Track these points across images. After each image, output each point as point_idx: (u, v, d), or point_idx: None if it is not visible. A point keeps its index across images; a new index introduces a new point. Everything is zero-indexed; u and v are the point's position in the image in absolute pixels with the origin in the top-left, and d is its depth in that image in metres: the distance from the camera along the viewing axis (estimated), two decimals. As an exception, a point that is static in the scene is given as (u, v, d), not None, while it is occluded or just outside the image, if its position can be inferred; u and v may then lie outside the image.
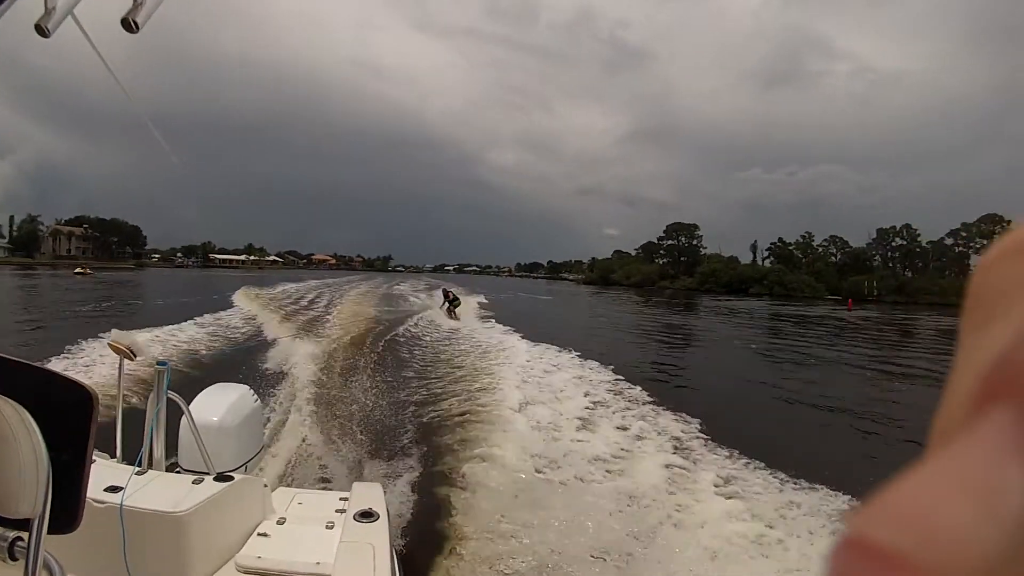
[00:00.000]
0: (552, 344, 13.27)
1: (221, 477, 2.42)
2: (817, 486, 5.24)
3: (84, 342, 10.13)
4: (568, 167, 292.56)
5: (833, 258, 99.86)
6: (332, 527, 2.57)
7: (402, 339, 14.53)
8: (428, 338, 15.04)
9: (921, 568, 0.12)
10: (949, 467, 0.13)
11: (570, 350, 12.49)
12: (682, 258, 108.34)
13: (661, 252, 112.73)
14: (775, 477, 5.55)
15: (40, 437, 1.19)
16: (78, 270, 58.64)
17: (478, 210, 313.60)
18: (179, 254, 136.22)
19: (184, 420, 2.82)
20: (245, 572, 2.30)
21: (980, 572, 0.12)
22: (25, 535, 1.22)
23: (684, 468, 5.69)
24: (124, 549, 1.97)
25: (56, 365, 8.50)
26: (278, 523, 2.61)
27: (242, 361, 10.24)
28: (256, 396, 3.62)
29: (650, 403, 8.20)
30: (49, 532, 1.21)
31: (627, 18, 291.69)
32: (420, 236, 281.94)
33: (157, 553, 2.11)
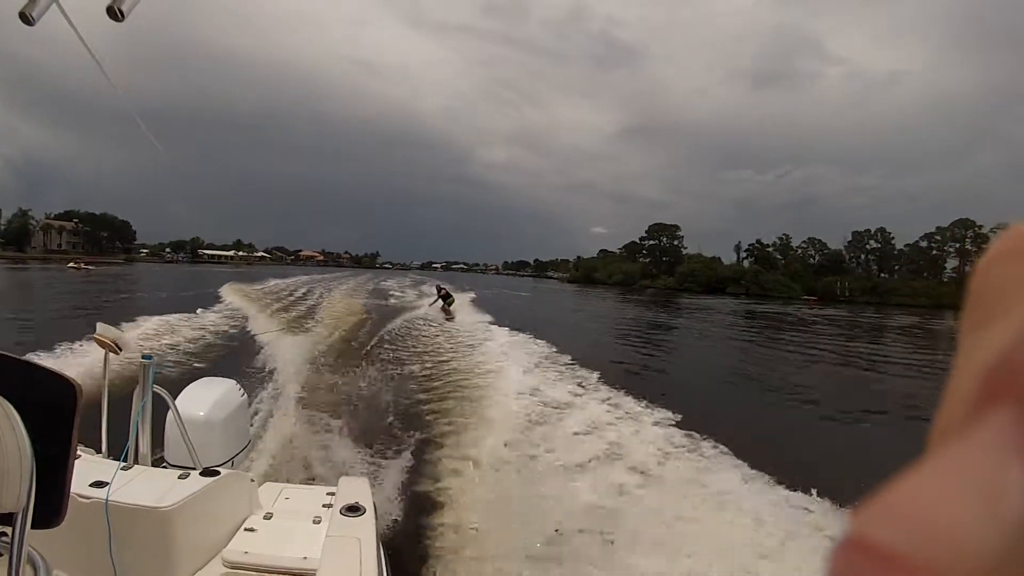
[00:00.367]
0: (528, 334, 14.18)
1: (207, 472, 2.37)
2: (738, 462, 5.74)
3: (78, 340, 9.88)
4: (558, 164, 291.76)
5: (812, 259, 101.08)
6: (319, 522, 2.54)
7: (390, 334, 14.44)
8: (415, 333, 14.99)
9: (921, 568, 0.12)
10: (949, 467, 0.13)
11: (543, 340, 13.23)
12: (664, 258, 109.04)
13: (644, 252, 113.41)
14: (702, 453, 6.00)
15: (24, 430, 1.16)
16: (71, 264, 58.58)
17: (467, 208, 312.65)
18: (167, 249, 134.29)
19: (170, 415, 2.76)
20: (232, 567, 2.25)
21: (980, 572, 0.12)
22: (8, 530, 1.19)
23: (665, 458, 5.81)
24: (110, 544, 1.92)
25: (43, 359, 8.35)
26: (265, 518, 2.56)
27: (229, 356, 10.16)
28: (243, 391, 3.56)
29: (617, 391, 8.59)
30: (33, 527, 1.19)
31: (619, 15, 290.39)
32: (408, 233, 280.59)
33: (143, 548, 2.06)
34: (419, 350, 12.13)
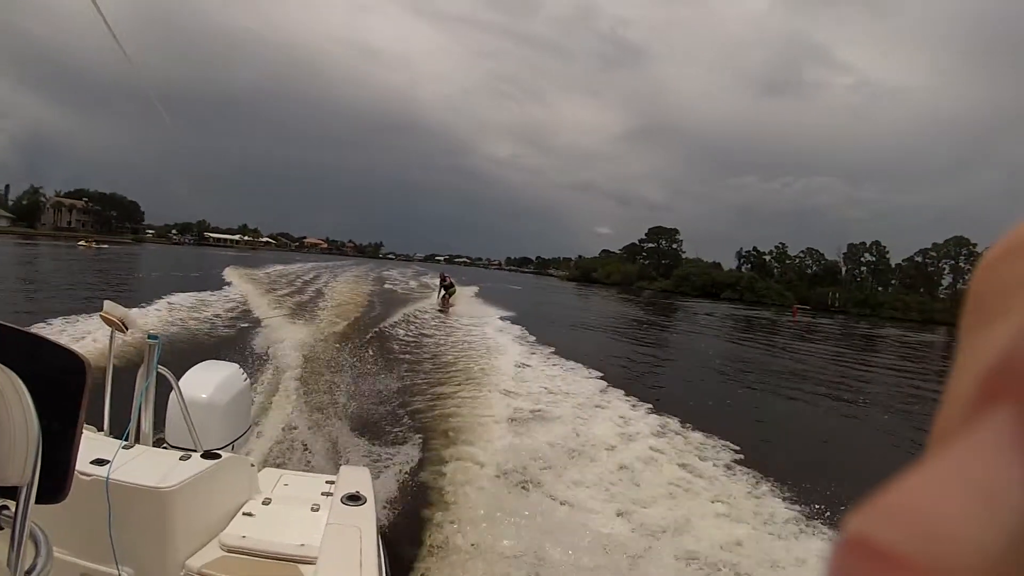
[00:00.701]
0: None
1: (208, 455, 2.34)
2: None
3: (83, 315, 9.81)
4: (561, 162, 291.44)
5: (809, 269, 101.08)
6: (318, 509, 2.50)
7: (393, 323, 14.40)
8: (418, 323, 14.96)
9: (922, 568, 0.12)
10: (949, 467, 0.13)
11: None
12: (664, 261, 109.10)
13: (643, 254, 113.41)
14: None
15: (31, 404, 1.14)
16: (82, 243, 59.04)
17: (471, 202, 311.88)
18: (174, 231, 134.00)
19: (173, 396, 2.72)
20: (229, 551, 2.22)
21: (980, 572, 0.11)
22: (11, 503, 1.17)
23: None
24: (109, 523, 1.89)
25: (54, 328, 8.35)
26: (264, 503, 2.53)
27: (233, 339, 10.08)
28: (246, 375, 3.51)
29: (626, 396, 8.42)
30: (37, 502, 1.16)
31: (628, 16, 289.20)
32: (412, 225, 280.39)
33: (142, 528, 2.03)
34: (424, 341, 12.09)
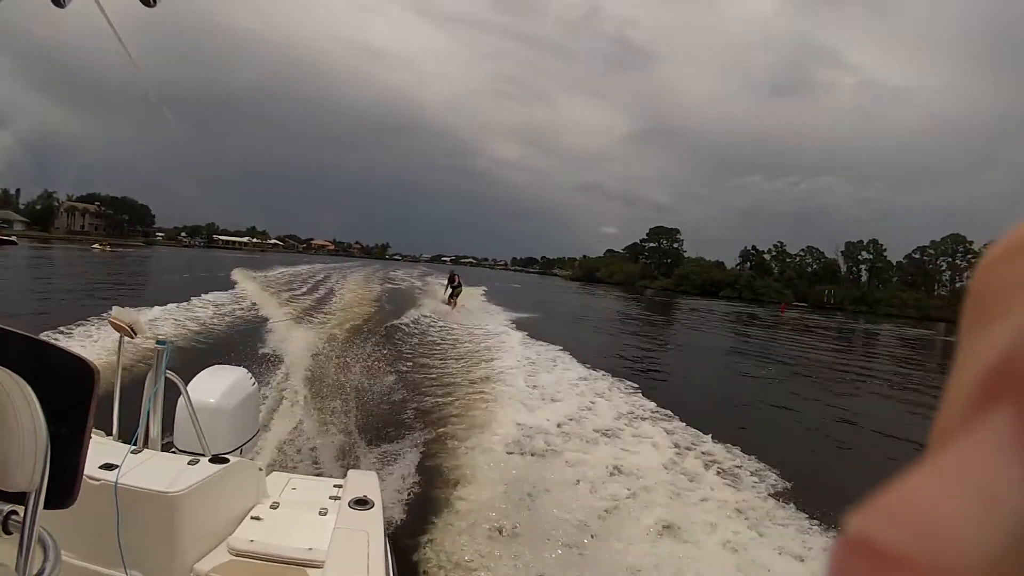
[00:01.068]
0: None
1: (216, 459, 2.32)
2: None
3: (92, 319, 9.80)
4: (569, 163, 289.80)
5: (810, 268, 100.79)
6: (326, 513, 2.48)
7: (401, 325, 14.30)
8: (426, 325, 14.85)
9: (922, 568, 0.11)
10: (950, 467, 0.13)
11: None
12: (666, 260, 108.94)
13: (645, 253, 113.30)
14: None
15: (40, 410, 1.12)
16: (96, 245, 60.82)
17: (477, 203, 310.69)
18: (183, 234, 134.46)
19: (181, 400, 2.70)
20: (237, 555, 2.20)
21: (981, 572, 0.11)
22: (20, 508, 1.15)
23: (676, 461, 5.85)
24: (117, 527, 1.88)
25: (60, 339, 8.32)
26: (272, 507, 2.51)
27: (241, 343, 10.00)
28: (253, 379, 3.48)
29: (632, 392, 8.55)
30: (45, 507, 1.15)
31: (634, 17, 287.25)
32: (418, 226, 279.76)
33: (150, 532, 2.01)
34: (432, 344, 12.00)
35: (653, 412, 7.43)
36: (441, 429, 6.09)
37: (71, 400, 1.20)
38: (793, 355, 19.29)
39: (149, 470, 2.11)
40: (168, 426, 2.76)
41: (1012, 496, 0.12)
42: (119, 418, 2.61)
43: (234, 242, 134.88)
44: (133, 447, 2.25)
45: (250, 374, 3.47)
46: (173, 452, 2.69)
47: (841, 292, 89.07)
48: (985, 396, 0.14)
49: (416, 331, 13.77)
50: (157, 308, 12.24)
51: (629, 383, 9.17)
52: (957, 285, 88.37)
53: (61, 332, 8.80)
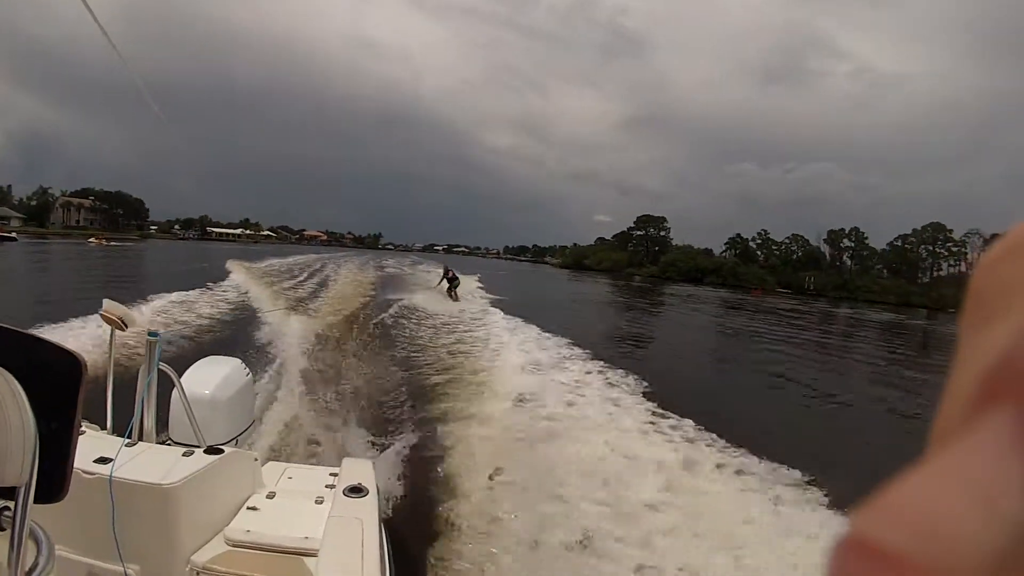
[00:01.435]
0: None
1: (211, 450, 2.29)
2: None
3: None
4: (561, 151, 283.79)
5: (795, 255, 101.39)
6: (321, 502, 2.46)
7: (394, 316, 14.18)
8: (419, 315, 14.75)
9: (922, 568, 0.11)
10: (950, 467, 0.13)
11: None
12: (655, 247, 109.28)
13: (634, 241, 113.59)
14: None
15: (27, 404, 1.11)
16: (92, 239, 61.41)
17: (470, 192, 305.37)
18: (177, 227, 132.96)
19: (175, 392, 2.66)
20: (234, 545, 2.18)
21: (981, 572, 0.11)
22: (10, 504, 1.14)
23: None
24: (112, 520, 1.85)
25: (51, 332, 8.20)
26: (268, 497, 2.49)
27: (234, 334, 9.91)
28: (248, 370, 3.44)
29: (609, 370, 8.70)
30: (35, 501, 1.13)
31: (626, 4, 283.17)
32: (410, 215, 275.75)
33: (146, 525, 1.99)
34: (424, 332, 11.95)
35: (644, 401, 7.42)
36: (435, 416, 6.07)
37: (59, 393, 1.18)
38: (735, 326, 23.80)
39: (144, 463, 2.08)
40: (163, 419, 2.73)
41: (1012, 496, 0.12)
42: (113, 411, 2.57)
43: (227, 234, 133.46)
44: (127, 440, 2.22)
45: (244, 365, 3.43)
46: (168, 444, 2.65)
47: (823, 279, 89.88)
48: (985, 396, 0.13)
49: (408, 319, 13.72)
50: (152, 300, 12.05)
51: (616, 367, 9.24)
52: (937, 273, 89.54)
53: (61, 325, 8.66)
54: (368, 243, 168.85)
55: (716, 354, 16.40)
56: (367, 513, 2.28)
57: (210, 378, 3.08)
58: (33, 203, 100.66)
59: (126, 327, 2.47)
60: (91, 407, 1.25)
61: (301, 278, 22.33)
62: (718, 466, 5.20)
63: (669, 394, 7.67)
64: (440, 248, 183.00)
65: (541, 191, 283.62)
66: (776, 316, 32.51)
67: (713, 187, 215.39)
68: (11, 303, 13.77)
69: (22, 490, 1.12)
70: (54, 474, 1.17)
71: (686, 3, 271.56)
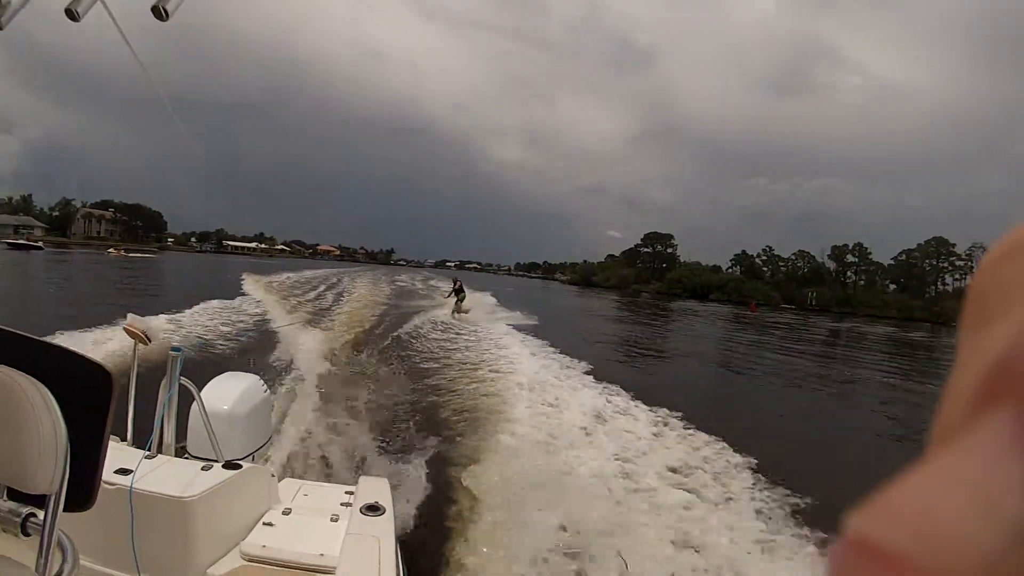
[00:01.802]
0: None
1: (229, 465, 2.28)
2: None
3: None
4: (571, 166, 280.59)
5: (802, 271, 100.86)
6: (337, 519, 2.43)
7: (410, 331, 14.03)
8: (436, 331, 14.58)
9: (922, 568, 0.11)
10: (950, 467, 0.12)
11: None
12: (663, 264, 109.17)
13: (641, 258, 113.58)
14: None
15: (60, 415, 1.14)
16: (111, 250, 64.54)
17: (482, 207, 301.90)
18: (194, 239, 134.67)
19: (195, 407, 2.66)
20: (249, 560, 2.16)
21: (981, 572, 0.11)
22: (37, 511, 1.17)
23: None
24: (132, 531, 1.85)
25: (73, 342, 8.26)
26: (284, 513, 2.46)
27: (254, 349, 9.85)
28: (266, 386, 3.43)
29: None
30: (64, 510, 1.16)
31: (637, 17, 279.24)
32: (423, 231, 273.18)
33: (164, 536, 1.98)
34: (442, 349, 11.78)
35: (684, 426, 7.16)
36: (452, 434, 5.94)
37: (90, 405, 1.21)
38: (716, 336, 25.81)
39: (163, 475, 2.08)
40: (182, 432, 2.73)
41: (1012, 496, 0.11)
42: (134, 424, 2.57)
43: (243, 248, 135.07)
44: (147, 452, 2.23)
45: (262, 380, 3.43)
46: (187, 458, 2.64)
47: (826, 294, 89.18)
48: (985, 396, 0.13)
49: (424, 336, 13.54)
50: (172, 314, 12.12)
51: (624, 390, 8.92)
52: (940, 288, 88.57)
53: (81, 333, 8.73)
54: (380, 258, 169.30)
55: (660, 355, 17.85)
56: (384, 532, 2.25)
57: (229, 393, 3.07)
58: (55, 214, 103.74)
59: (149, 341, 2.48)
60: (113, 419, 1.27)
61: (316, 292, 22.37)
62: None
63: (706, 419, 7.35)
64: (452, 264, 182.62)
65: (553, 206, 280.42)
66: (759, 327, 33.52)
67: (723, 201, 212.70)
68: (37, 308, 14.49)
69: (52, 498, 1.15)
70: (83, 484, 1.19)
71: (694, 16, 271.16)
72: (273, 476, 2.59)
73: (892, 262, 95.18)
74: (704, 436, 6.43)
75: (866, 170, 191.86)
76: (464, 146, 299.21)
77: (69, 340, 8.44)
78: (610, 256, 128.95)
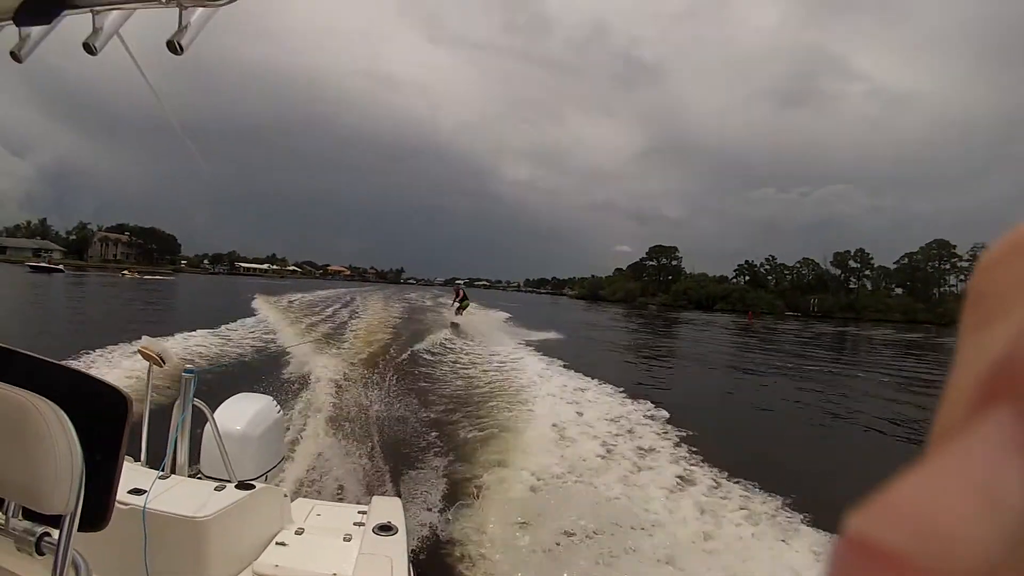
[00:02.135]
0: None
1: (242, 485, 2.26)
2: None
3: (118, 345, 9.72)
4: (580, 182, 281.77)
5: (807, 279, 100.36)
6: (350, 539, 2.40)
7: (422, 350, 13.87)
8: (448, 349, 14.48)
9: (922, 568, 0.11)
10: (950, 467, 0.12)
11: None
12: (668, 276, 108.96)
13: (647, 271, 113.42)
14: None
15: (75, 437, 1.15)
16: (124, 272, 64.63)
17: (491, 225, 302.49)
18: (206, 261, 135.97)
19: (208, 427, 2.65)
20: None
21: (981, 572, 0.11)
22: (52, 531, 1.18)
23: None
24: (145, 551, 1.84)
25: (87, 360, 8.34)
26: (296, 533, 2.43)
27: (265, 370, 9.78)
28: (279, 407, 3.42)
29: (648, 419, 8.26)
30: (79, 529, 1.17)
31: (642, 34, 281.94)
32: (432, 249, 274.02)
33: (177, 557, 1.96)
34: (454, 368, 11.66)
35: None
36: (466, 454, 5.83)
37: (106, 427, 1.23)
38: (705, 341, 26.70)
39: (177, 495, 2.07)
40: (196, 453, 2.72)
41: (1012, 496, 0.11)
42: (148, 444, 2.56)
43: (255, 269, 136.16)
44: (161, 473, 2.22)
45: (275, 401, 3.41)
46: (200, 478, 2.63)
47: (830, 300, 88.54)
48: (985, 396, 0.13)
49: (436, 355, 13.39)
50: (185, 335, 12.14)
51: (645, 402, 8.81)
52: (942, 290, 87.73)
53: (97, 355, 8.79)
54: (390, 278, 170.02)
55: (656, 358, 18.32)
56: (397, 552, 2.22)
57: (242, 414, 3.06)
58: (73, 237, 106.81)
59: (164, 363, 2.48)
60: (127, 439, 1.29)
61: (328, 312, 22.35)
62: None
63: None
64: (461, 282, 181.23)
65: (561, 222, 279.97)
66: (751, 334, 34.32)
67: (732, 213, 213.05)
68: (56, 329, 14.98)
69: (67, 518, 1.15)
70: (98, 504, 1.20)
71: (699, 31, 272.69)
72: (286, 496, 2.56)
73: (895, 266, 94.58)
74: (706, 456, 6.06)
75: (873, 177, 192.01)
76: (474, 165, 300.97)
77: (89, 360, 8.56)
78: (617, 270, 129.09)
